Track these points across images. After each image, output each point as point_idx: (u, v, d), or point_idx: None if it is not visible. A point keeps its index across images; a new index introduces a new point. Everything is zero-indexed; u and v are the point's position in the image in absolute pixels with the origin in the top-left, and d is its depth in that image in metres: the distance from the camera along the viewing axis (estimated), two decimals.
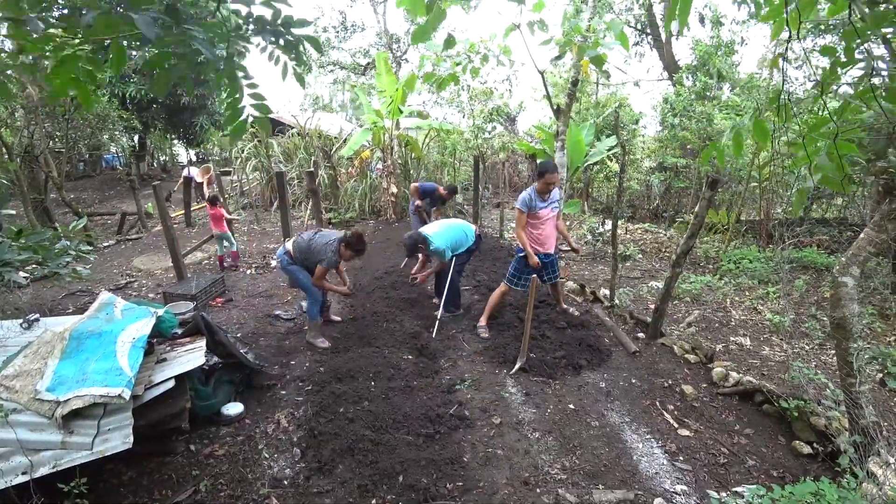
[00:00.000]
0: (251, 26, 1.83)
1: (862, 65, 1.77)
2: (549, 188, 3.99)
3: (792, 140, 2.06)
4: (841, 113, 1.87)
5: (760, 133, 2.00)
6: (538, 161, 3.95)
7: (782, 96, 1.87)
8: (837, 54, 1.76)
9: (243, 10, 1.86)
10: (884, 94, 1.72)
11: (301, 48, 1.92)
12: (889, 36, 1.85)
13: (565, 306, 4.67)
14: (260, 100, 1.95)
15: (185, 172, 11.00)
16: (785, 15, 1.63)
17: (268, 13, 1.82)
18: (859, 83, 1.97)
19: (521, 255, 4.20)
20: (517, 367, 3.71)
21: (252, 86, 1.94)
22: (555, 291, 4.66)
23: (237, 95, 1.91)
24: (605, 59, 4.53)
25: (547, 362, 3.76)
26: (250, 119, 1.98)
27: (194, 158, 20.77)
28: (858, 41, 1.68)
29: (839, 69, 1.77)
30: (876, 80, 1.80)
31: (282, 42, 1.86)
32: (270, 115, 2.07)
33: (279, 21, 1.82)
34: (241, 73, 1.88)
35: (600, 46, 4.38)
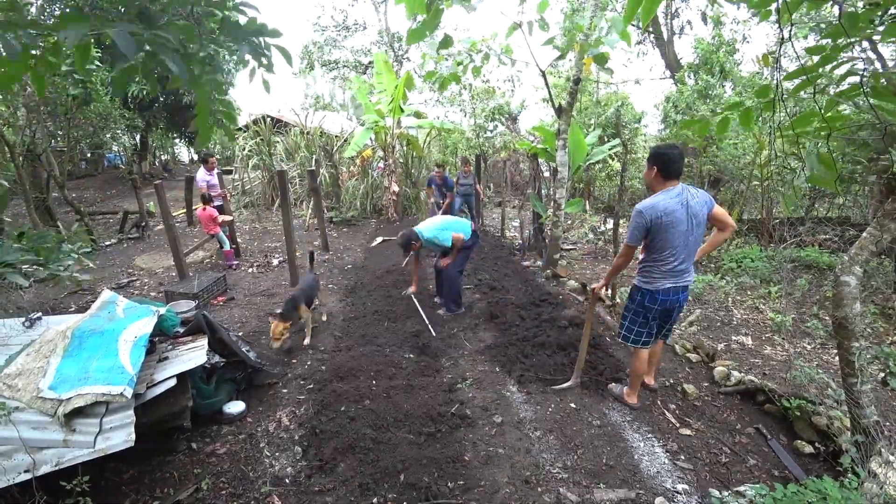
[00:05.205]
0: (225, 31, 1.85)
1: (847, 65, 1.80)
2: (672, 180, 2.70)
3: (785, 134, 2.11)
4: (828, 110, 1.87)
5: (745, 120, 2.08)
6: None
7: (775, 93, 1.88)
8: (825, 52, 1.78)
9: (218, 13, 1.88)
10: (867, 91, 1.74)
11: (270, 57, 1.95)
12: (876, 37, 1.87)
13: (654, 383, 3.42)
14: (229, 108, 2.01)
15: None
16: (775, 6, 1.64)
17: (242, 19, 1.85)
18: (841, 80, 2.00)
19: (640, 296, 2.90)
20: (566, 385, 3.39)
21: (221, 91, 1.98)
22: (654, 355, 3.34)
23: (210, 97, 1.94)
24: (608, 57, 4.53)
25: (548, 362, 3.76)
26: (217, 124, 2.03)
27: (196, 158, 20.77)
28: (843, 40, 1.70)
29: (822, 67, 1.78)
30: (856, 78, 1.82)
31: (254, 50, 1.88)
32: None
33: (252, 29, 1.85)
34: (210, 77, 1.91)
35: (602, 44, 4.38)
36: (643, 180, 2.96)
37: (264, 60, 1.94)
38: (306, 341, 4.26)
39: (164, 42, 1.56)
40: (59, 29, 1.48)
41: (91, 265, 4.44)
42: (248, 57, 1.92)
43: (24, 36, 1.52)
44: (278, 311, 4.06)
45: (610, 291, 5.11)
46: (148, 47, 1.58)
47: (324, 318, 4.81)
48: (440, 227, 4.62)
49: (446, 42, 2.74)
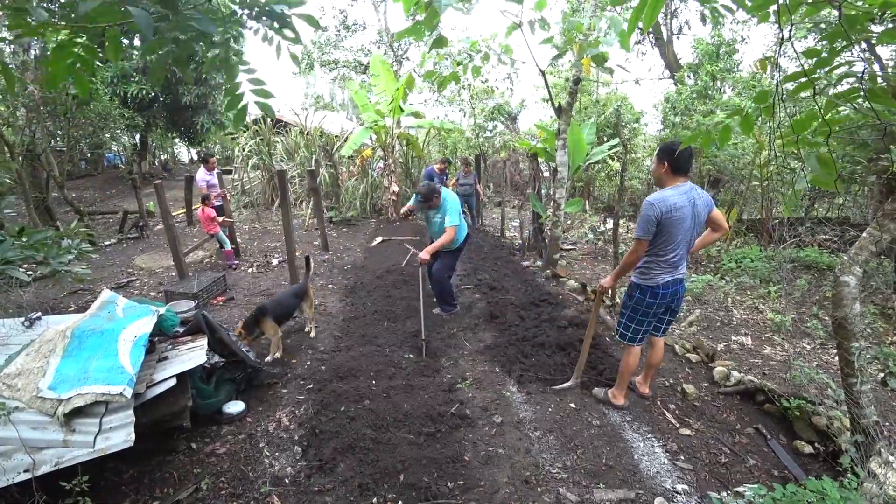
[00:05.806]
0: (245, 10, 1.81)
1: (843, 68, 1.79)
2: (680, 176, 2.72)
3: (786, 137, 2.09)
4: (826, 111, 1.87)
5: (746, 126, 2.08)
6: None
7: (774, 94, 1.88)
8: (819, 54, 1.78)
9: None
10: (864, 94, 1.74)
11: (294, 28, 1.88)
12: (872, 40, 1.87)
13: (648, 391, 3.35)
14: (259, 84, 1.92)
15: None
16: (775, 9, 1.64)
17: None
18: (839, 81, 1.99)
19: (639, 293, 2.88)
20: (566, 385, 3.40)
21: (250, 71, 1.93)
22: (655, 353, 3.23)
23: (236, 80, 1.90)
24: (607, 57, 4.53)
25: (548, 362, 3.76)
26: (251, 105, 1.98)
27: (196, 158, 20.78)
28: (840, 42, 1.69)
29: (819, 69, 1.78)
30: (852, 79, 1.82)
31: (276, 24, 1.83)
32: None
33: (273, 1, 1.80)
34: (236, 59, 1.88)
35: (601, 44, 4.37)
36: (652, 175, 2.98)
37: (289, 33, 1.86)
38: (268, 359, 3.89)
39: (192, 25, 1.55)
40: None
41: (93, 256, 4.44)
42: (271, 34, 1.86)
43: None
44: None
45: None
46: (178, 34, 1.58)
47: (311, 335, 4.40)
48: (459, 208, 4.43)
49: (440, 42, 2.74)
